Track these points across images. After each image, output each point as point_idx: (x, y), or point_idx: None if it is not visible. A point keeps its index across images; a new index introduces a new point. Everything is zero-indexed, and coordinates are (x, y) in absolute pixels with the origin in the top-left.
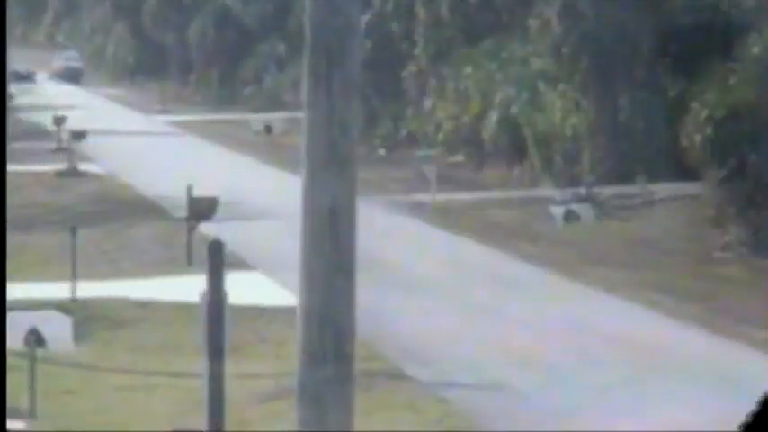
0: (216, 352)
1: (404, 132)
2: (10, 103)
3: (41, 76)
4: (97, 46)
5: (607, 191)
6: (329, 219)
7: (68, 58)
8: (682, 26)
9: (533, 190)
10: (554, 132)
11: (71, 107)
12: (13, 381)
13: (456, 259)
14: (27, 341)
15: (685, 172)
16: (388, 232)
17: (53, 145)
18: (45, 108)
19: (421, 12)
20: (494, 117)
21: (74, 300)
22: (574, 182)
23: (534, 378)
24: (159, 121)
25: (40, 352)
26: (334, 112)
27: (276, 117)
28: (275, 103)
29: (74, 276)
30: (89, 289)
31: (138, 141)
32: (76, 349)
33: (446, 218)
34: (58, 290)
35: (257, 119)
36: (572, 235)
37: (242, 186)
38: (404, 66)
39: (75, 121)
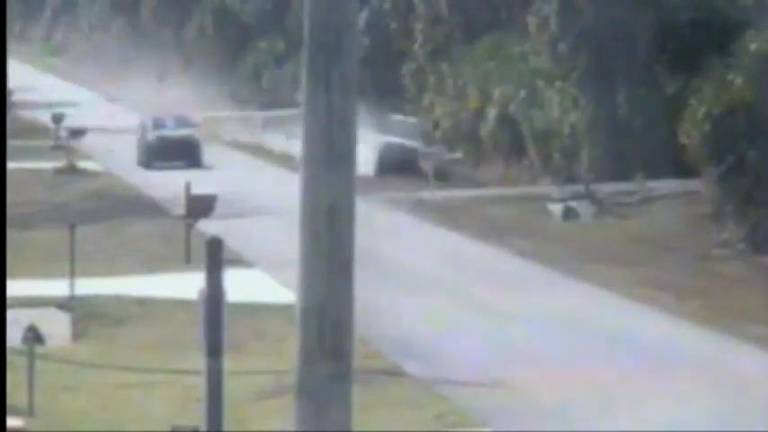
0: (214, 349)
1: None
2: (9, 100)
3: None
4: (95, 43)
5: (605, 188)
6: (328, 216)
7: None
8: (679, 23)
9: (532, 187)
10: (552, 129)
11: (73, 104)
12: (12, 378)
13: (454, 256)
14: (26, 339)
15: (684, 169)
16: (386, 229)
17: (52, 142)
18: (44, 105)
19: (419, 8)
20: (492, 114)
21: (72, 297)
22: (572, 179)
23: (532, 375)
24: None
25: (38, 349)
26: (332, 109)
27: (275, 114)
28: (273, 100)
29: (72, 274)
30: (88, 286)
31: (137, 139)
32: (75, 347)
33: (445, 215)
34: (56, 287)
35: (255, 116)
36: (571, 232)
37: (239, 183)
38: (402, 63)
39: (73, 119)
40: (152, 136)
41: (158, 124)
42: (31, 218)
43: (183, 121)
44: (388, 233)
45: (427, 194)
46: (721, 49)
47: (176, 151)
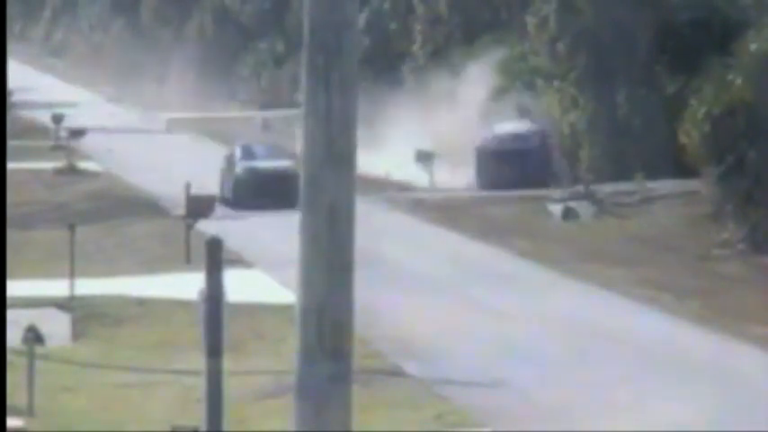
0: (214, 349)
1: None
2: (9, 100)
3: None
4: (95, 43)
5: (605, 188)
6: (328, 216)
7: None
8: (679, 23)
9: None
10: (552, 129)
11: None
12: (12, 378)
13: (454, 256)
14: (26, 339)
15: (683, 169)
16: (386, 229)
17: (52, 142)
18: (44, 106)
19: (419, 9)
20: None
21: (72, 297)
22: (572, 179)
23: (532, 375)
24: (157, 119)
25: (38, 349)
26: (332, 108)
27: (274, 114)
28: (274, 100)
29: (72, 274)
30: (88, 286)
31: (136, 139)
32: (75, 347)
33: (445, 215)
34: (56, 287)
35: (256, 116)
36: (571, 232)
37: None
38: (402, 63)
39: (73, 120)
40: (240, 167)
41: (247, 153)
42: (31, 218)
43: (277, 151)
44: (388, 233)
45: (426, 194)
46: (721, 49)
47: (271, 188)
